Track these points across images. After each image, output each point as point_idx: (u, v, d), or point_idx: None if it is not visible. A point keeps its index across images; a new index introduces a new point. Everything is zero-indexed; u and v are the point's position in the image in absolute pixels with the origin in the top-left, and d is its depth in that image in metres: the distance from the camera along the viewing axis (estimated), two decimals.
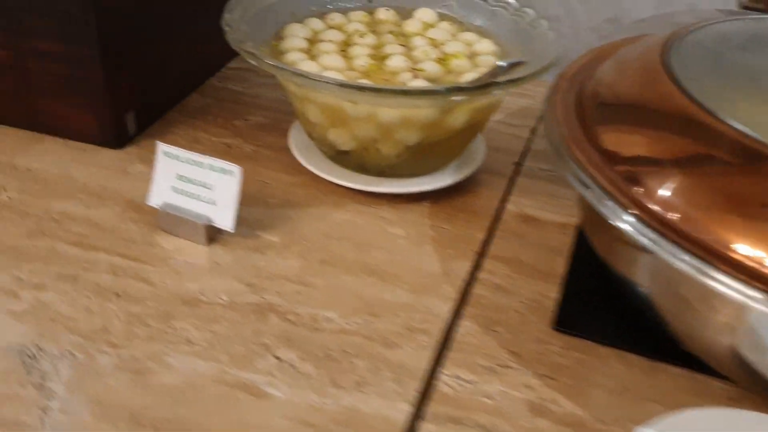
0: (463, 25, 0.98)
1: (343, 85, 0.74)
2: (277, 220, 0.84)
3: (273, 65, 0.75)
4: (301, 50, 0.87)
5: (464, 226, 0.85)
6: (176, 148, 0.79)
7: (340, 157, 0.88)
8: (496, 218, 0.87)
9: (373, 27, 0.95)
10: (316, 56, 0.87)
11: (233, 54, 1.08)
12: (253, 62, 0.78)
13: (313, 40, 0.91)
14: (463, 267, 0.78)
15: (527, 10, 0.94)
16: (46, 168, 0.90)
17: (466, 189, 0.90)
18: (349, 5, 1.00)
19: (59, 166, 0.90)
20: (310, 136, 0.89)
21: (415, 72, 0.85)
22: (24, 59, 0.91)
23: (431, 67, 0.86)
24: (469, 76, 0.84)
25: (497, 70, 0.83)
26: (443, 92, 0.74)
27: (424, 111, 0.78)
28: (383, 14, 0.98)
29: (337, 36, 0.91)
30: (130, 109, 0.95)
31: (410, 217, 0.85)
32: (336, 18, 0.96)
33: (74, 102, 0.92)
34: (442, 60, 0.88)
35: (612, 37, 0.97)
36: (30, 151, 0.93)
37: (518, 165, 0.97)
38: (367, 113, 0.79)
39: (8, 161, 0.91)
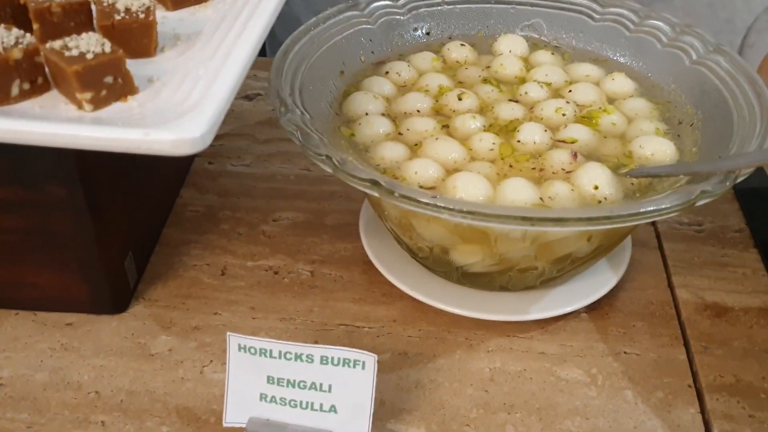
0: (562, 50, 0.73)
1: (539, 219, 0.47)
2: (405, 392, 0.57)
3: (424, 201, 0.48)
4: (393, 138, 0.60)
5: (650, 342, 0.62)
6: (256, 339, 0.50)
7: (459, 277, 0.62)
8: (678, 317, 0.64)
9: (454, 74, 0.69)
10: (416, 146, 0.59)
11: None
12: (370, 191, 0.49)
13: (392, 115, 0.63)
14: (691, 419, 0.56)
15: (653, 21, 0.70)
16: (18, 365, 0.58)
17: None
18: (401, 42, 0.72)
19: (40, 359, 0.59)
20: (413, 253, 0.63)
21: (564, 145, 0.60)
22: None
23: (583, 135, 0.60)
24: (649, 144, 0.59)
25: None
26: (688, 201, 0.49)
27: None
28: (458, 53, 0.71)
29: (422, 102, 0.64)
30: (126, 251, 0.64)
31: (576, 345, 0.62)
32: (402, 71, 0.68)
33: (47, 261, 0.60)
34: (585, 118, 0.63)
35: None
36: (3, 339, 0.61)
37: (654, 224, 0.74)
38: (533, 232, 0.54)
39: None
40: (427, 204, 0.47)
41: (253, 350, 0.50)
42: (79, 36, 0.46)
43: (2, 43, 0.44)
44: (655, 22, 0.70)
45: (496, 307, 0.62)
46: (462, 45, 0.71)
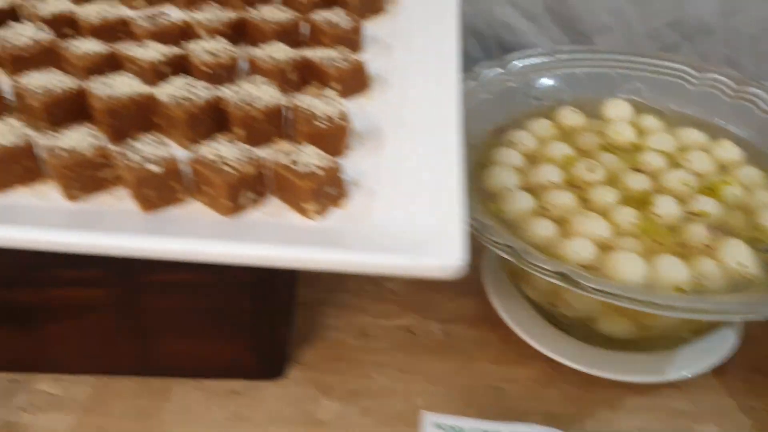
0: (662, 113, 0.77)
1: (719, 311, 0.52)
2: None
3: (617, 294, 0.52)
4: (538, 214, 0.64)
5: None
6: (454, 417, 0.55)
7: (598, 341, 0.66)
8: None
9: (573, 141, 0.73)
10: (563, 221, 0.64)
11: None
12: (557, 282, 0.54)
13: (529, 188, 0.67)
14: None
15: (752, 88, 0.75)
16: None
17: None
18: (514, 109, 0.76)
19: (220, 429, 0.63)
20: (551, 317, 0.67)
21: (696, 218, 0.64)
22: (135, 296, 0.62)
23: (711, 208, 0.65)
24: None
25: None
26: None
27: None
28: (572, 119, 0.75)
29: (554, 174, 0.68)
30: (285, 318, 0.68)
31: (709, 401, 0.66)
32: (526, 141, 0.72)
33: (220, 334, 0.64)
34: (709, 189, 0.67)
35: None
36: (178, 409, 0.64)
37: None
38: None
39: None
40: (620, 297, 0.51)
41: (447, 427, 0.54)
42: (303, 148, 0.49)
43: (232, 158, 0.48)
44: (753, 89, 0.75)
45: (632, 368, 0.66)
46: (574, 111, 0.75)
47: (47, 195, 0.50)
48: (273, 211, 0.50)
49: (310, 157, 0.49)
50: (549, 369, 0.69)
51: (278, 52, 0.59)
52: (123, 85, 0.54)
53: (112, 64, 0.60)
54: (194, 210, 0.50)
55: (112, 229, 0.47)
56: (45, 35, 0.60)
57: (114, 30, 0.65)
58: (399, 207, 0.48)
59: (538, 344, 0.68)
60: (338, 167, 0.49)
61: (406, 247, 0.43)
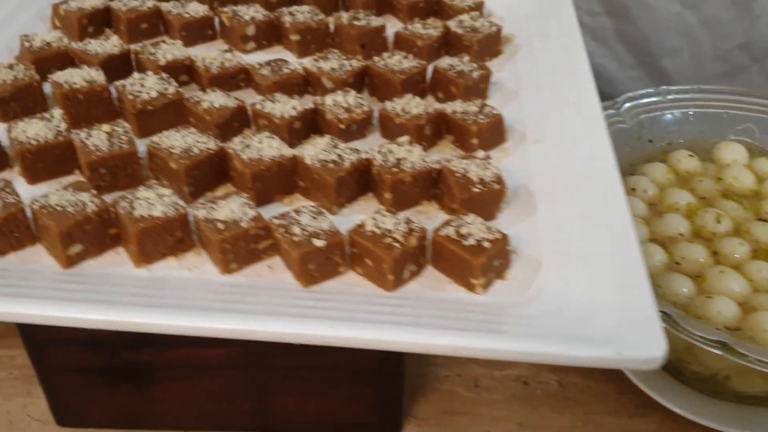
0: None
1: None
2: None
3: None
4: (672, 269, 0.62)
5: None
6: None
7: (724, 396, 0.64)
8: None
9: (692, 187, 0.71)
10: (698, 277, 0.62)
11: None
12: (716, 351, 0.52)
13: (661, 241, 0.65)
14: None
15: None
16: None
17: None
18: (627, 150, 0.74)
19: None
20: (679, 373, 0.65)
21: None
22: (258, 355, 0.60)
23: None
24: None
25: None
26: None
27: None
28: (686, 163, 0.73)
29: (681, 224, 0.66)
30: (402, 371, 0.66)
31: None
32: (647, 188, 0.70)
33: (342, 393, 0.62)
34: None
35: None
36: None
37: None
38: None
39: None
40: None
41: None
42: (465, 218, 0.47)
43: (394, 231, 0.46)
44: None
45: (755, 421, 0.64)
46: (690, 156, 0.73)
47: (199, 267, 0.48)
48: (433, 284, 0.48)
49: (476, 228, 0.47)
50: (669, 422, 0.67)
51: (413, 106, 0.57)
52: (265, 147, 0.52)
53: (240, 118, 0.58)
54: (352, 282, 0.48)
55: (271, 312, 0.45)
56: (171, 88, 0.58)
57: (233, 78, 0.63)
58: (571, 281, 0.46)
59: (659, 396, 0.66)
60: (507, 240, 0.47)
61: (599, 337, 0.41)
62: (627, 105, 0.75)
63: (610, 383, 0.70)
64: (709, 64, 1.07)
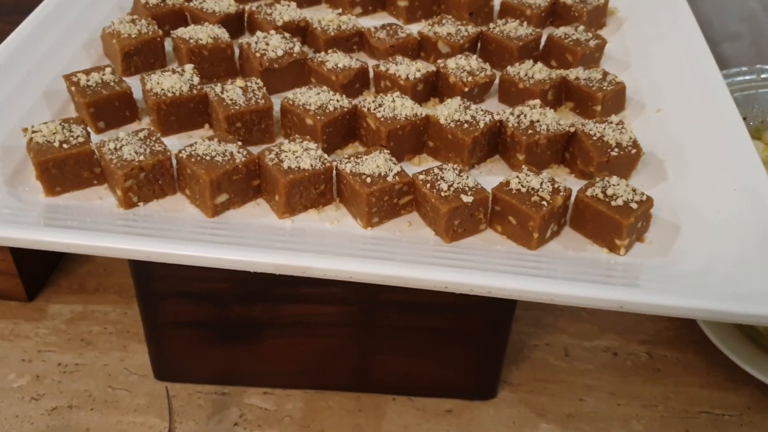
0: None
1: None
2: None
3: None
4: None
5: None
6: None
7: None
8: None
9: None
10: None
11: None
12: None
13: None
14: None
15: None
16: None
17: None
18: None
19: None
20: (762, 342, 0.66)
21: None
22: (370, 314, 0.61)
23: None
24: None
25: None
26: None
27: None
28: None
29: None
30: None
31: None
32: None
33: (447, 355, 0.63)
34: None
35: None
36: (394, 428, 0.64)
37: None
38: None
39: None
40: None
41: None
42: (610, 180, 0.48)
43: (540, 189, 0.47)
44: None
45: None
46: None
47: (340, 221, 0.49)
48: (573, 244, 0.48)
49: (621, 189, 0.47)
50: (761, 395, 0.67)
51: (535, 71, 0.57)
52: (398, 106, 0.52)
53: (361, 79, 0.59)
54: (491, 240, 0.48)
55: (416, 261, 0.45)
56: (296, 47, 0.58)
57: (347, 41, 0.63)
58: (712, 243, 0.46)
59: (751, 368, 0.66)
60: (651, 202, 0.47)
61: (750, 295, 0.41)
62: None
63: (699, 356, 0.71)
64: None
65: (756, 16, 1.03)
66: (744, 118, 0.76)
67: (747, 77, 0.76)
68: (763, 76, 0.76)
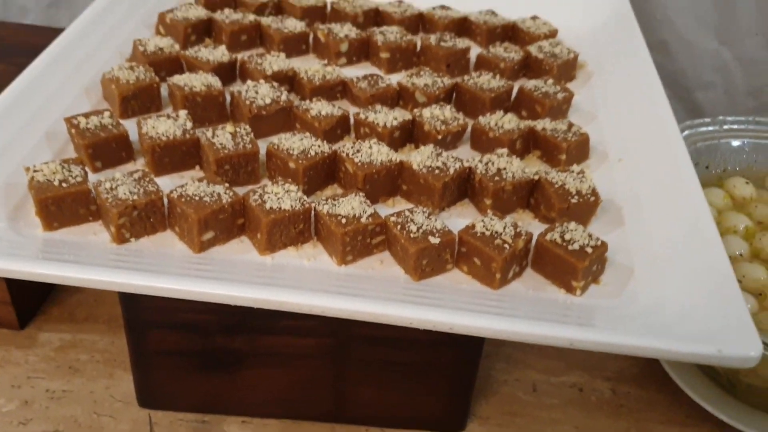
0: None
1: None
2: None
3: None
4: None
5: None
6: None
7: None
8: None
9: (749, 212, 0.75)
10: (754, 293, 0.66)
11: None
12: None
13: None
14: None
15: None
16: None
17: None
18: None
19: None
20: (731, 385, 0.69)
21: None
22: (344, 347, 0.64)
23: None
24: None
25: None
26: None
27: None
28: (742, 190, 0.78)
29: (742, 247, 0.71)
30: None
31: None
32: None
33: (417, 387, 0.66)
34: None
35: None
36: None
37: None
38: None
39: None
40: None
41: None
42: (568, 225, 0.52)
43: (503, 233, 0.51)
44: None
45: None
46: (746, 183, 0.78)
47: (317, 258, 0.52)
48: (533, 284, 0.52)
49: (578, 234, 0.51)
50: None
51: (505, 121, 0.62)
52: (374, 152, 0.57)
53: (342, 125, 0.63)
54: (457, 279, 0.52)
55: (385, 298, 0.49)
56: (283, 96, 0.63)
57: (332, 89, 0.67)
58: (663, 285, 0.50)
59: (709, 406, 0.70)
60: (606, 247, 0.51)
61: (698, 336, 0.45)
62: (685, 133, 0.80)
63: (661, 393, 0.74)
64: (741, 99, 1.12)
65: (728, 66, 1.09)
66: (706, 167, 0.81)
67: (710, 128, 0.81)
68: (725, 127, 0.81)
